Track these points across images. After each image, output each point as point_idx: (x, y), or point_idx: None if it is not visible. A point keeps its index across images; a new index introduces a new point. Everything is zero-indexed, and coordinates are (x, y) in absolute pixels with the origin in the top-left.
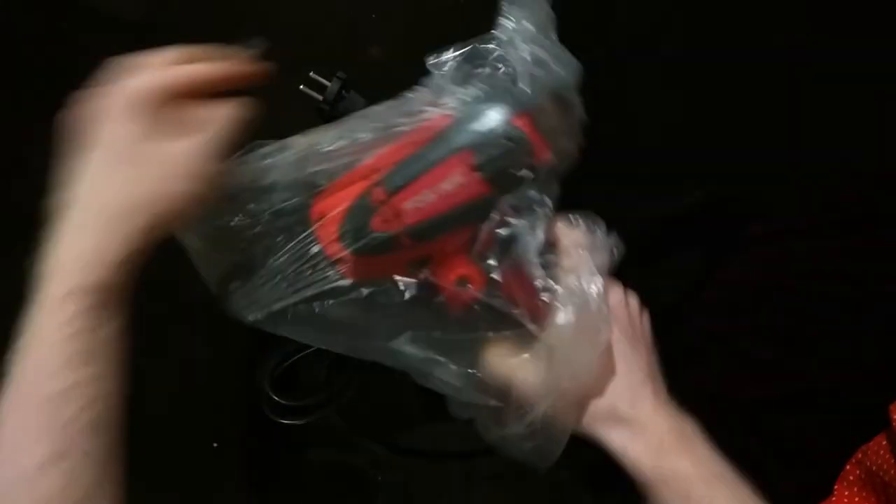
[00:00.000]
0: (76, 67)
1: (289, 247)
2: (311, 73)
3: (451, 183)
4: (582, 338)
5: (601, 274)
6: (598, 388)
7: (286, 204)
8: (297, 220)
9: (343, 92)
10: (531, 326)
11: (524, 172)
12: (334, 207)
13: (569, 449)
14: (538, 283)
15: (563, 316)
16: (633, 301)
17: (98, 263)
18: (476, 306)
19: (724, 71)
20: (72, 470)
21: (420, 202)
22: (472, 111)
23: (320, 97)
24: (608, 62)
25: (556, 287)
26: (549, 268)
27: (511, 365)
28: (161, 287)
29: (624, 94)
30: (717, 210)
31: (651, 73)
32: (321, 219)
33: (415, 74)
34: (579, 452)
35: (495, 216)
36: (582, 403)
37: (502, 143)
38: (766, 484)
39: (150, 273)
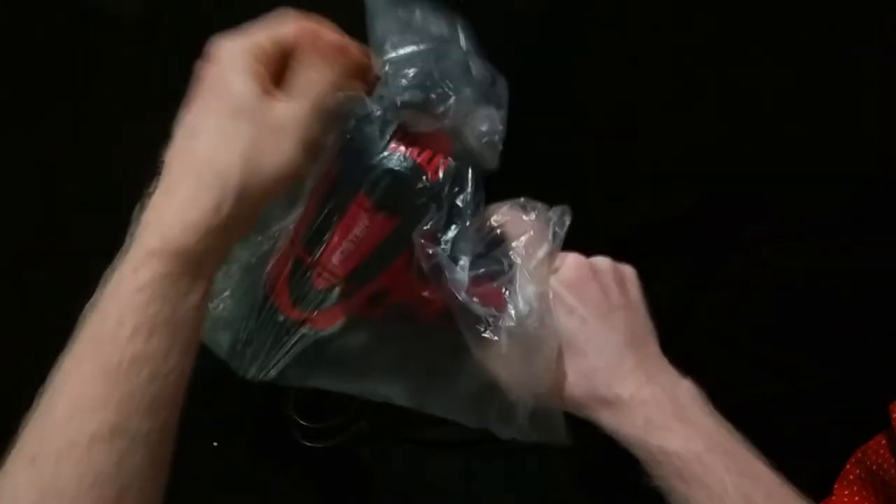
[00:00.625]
0: (76, 67)
1: (260, 317)
2: None
3: (361, 229)
4: (539, 328)
5: (550, 252)
6: (573, 375)
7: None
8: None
9: None
10: (501, 319)
11: (422, 197)
12: (279, 276)
13: (569, 449)
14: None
15: (513, 312)
16: (605, 266)
17: (181, 226)
18: (449, 312)
19: (725, 71)
20: (125, 448)
21: (344, 253)
22: (353, 148)
23: None
24: (609, 62)
25: (510, 280)
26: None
27: (494, 363)
28: None
29: (623, 94)
30: (716, 210)
31: (651, 72)
32: (273, 289)
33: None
34: (579, 451)
35: (419, 245)
36: (561, 391)
37: (387, 179)
38: None
39: None
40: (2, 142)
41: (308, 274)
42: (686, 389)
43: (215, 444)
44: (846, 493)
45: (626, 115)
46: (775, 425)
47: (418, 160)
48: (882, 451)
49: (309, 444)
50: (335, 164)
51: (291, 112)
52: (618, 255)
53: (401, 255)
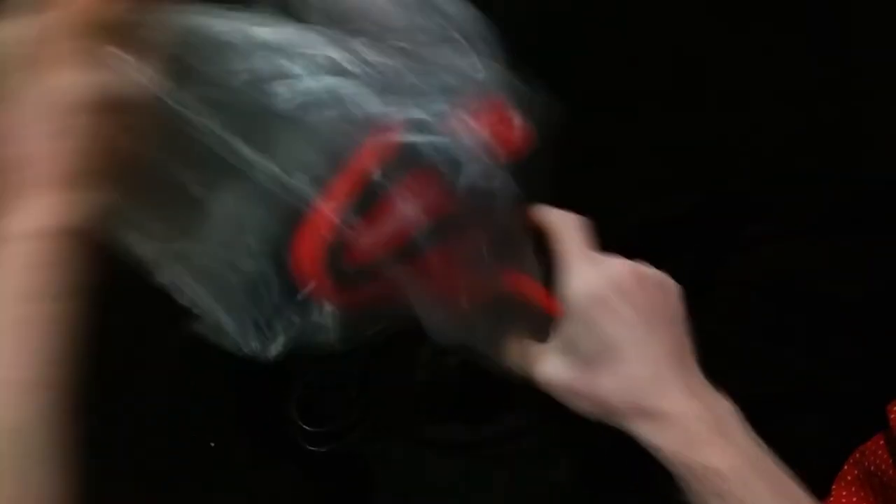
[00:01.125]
0: None
1: (282, 296)
2: None
3: (415, 205)
4: (588, 331)
5: (603, 254)
6: (611, 381)
7: None
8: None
9: None
10: (542, 319)
11: (489, 179)
12: (311, 249)
13: (569, 449)
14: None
15: (574, 316)
16: (651, 274)
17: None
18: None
19: (725, 71)
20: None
21: (390, 229)
22: (421, 120)
23: None
24: (608, 62)
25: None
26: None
27: (529, 357)
28: (158, 287)
29: (623, 94)
30: (716, 210)
31: (651, 72)
32: (302, 264)
33: None
34: (582, 453)
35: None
36: (602, 399)
37: (455, 155)
38: None
39: (146, 274)
40: None
41: (346, 247)
42: (726, 408)
43: (212, 444)
44: (844, 493)
45: (625, 116)
46: (773, 425)
47: (487, 142)
48: (880, 451)
49: (311, 448)
50: (398, 131)
51: None
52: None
53: (450, 239)
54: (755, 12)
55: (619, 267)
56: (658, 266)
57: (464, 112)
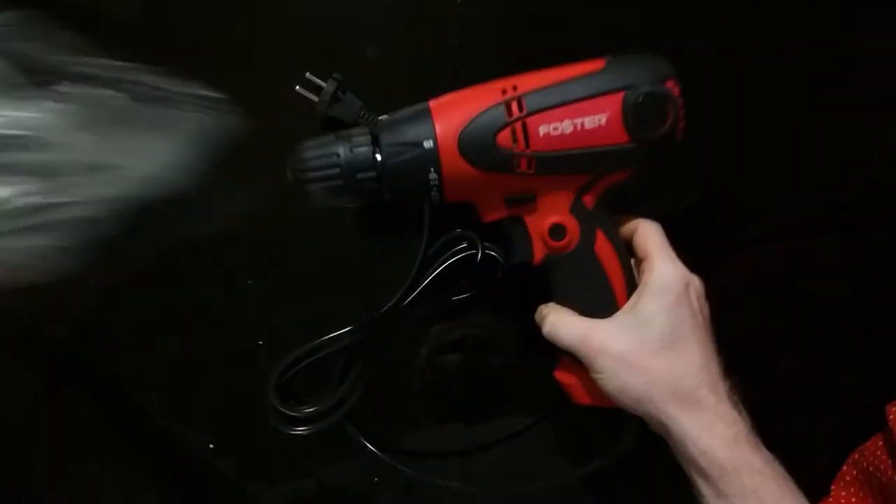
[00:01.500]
0: None
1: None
2: (308, 75)
3: (594, 121)
4: (665, 313)
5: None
6: (675, 362)
7: None
8: None
9: (339, 93)
10: (610, 298)
11: (668, 135)
12: (463, 106)
13: (570, 455)
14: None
15: (657, 297)
16: (699, 285)
17: None
18: (562, 260)
19: (725, 71)
20: None
21: (555, 130)
22: (628, 60)
23: (316, 98)
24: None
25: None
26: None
27: (587, 326)
28: (162, 287)
29: None
30: (716, 210)
31: None
32: (445, 115)
33: (412, 74)
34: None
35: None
36: (656, 374)
37: (658, 94)
38: None
39: (152, 273)
40: None
41: (501, 125)
42: (746, 416)
43: (211, 445)
44: (843, 493)
45: None
46: (773, 426)
47: (681, 107)
48: (879, 452)
49: (287, 431)
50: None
51: None
52: None
53: (594, 172)
54: (755, 12)
55: (690, 271)
56: None
57: None
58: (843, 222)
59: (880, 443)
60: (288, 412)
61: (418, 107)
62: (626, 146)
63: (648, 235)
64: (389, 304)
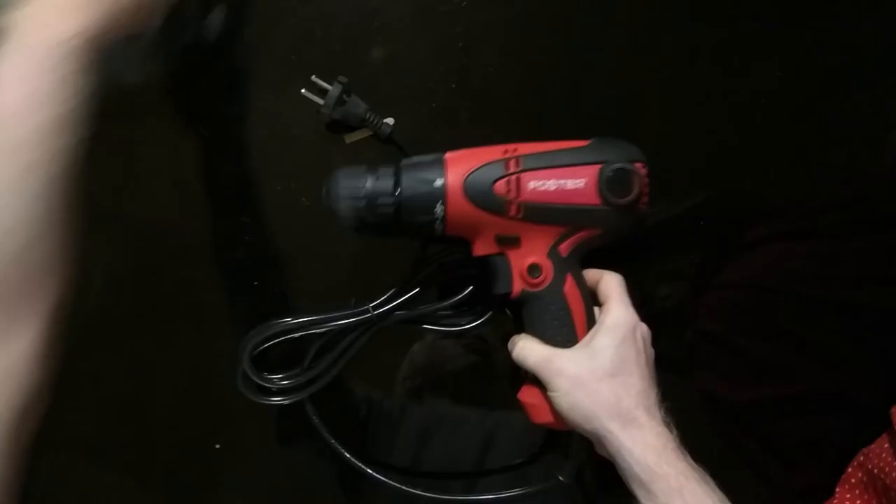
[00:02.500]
0: None
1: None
2: (313, 78)
3: (574, 184)
4: (614, 348)
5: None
6: (618, 386)
7: None
8: None
9: (344, 96)
10: (571, 332)
11: (632, 203)
12: (471, 158)
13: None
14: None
15: (609, 335)
16: (646, 330)
17: (77, 15)
18: (535, 295)
19: (726, 71)
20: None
21: (542, 186)
22: (607, 142)
23: (321, 101)
24: (609, 63)
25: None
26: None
27: (550, 353)
28: (164, 287)
29: (624, 94)
30: (718, 212)
31: (652, 72)
32: (457, 163)
33: (416, 76)
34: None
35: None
36: (603, 396)
37: (628, 170)
38: (767, 485)
39: (153, 274)
40: None
41: (500, 175)
42: (675, 434)
43: (217, 445)
44: (848, 496)
45: (626, 117)
46: (777, 427)
47: (645, 188)
48: (884, 454)
49: (253, 398)
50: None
51: None
52: (619, 257)
53: (568, 225)
54: (756, 12)
55: (637, 317)
56: (660, 267)
57: None
58: (844, 224)
59: (885, 445)
60: (259, 381)
61: (436, 154)
62: (598, 207)
63: (610, 284)
64: (380, 300)
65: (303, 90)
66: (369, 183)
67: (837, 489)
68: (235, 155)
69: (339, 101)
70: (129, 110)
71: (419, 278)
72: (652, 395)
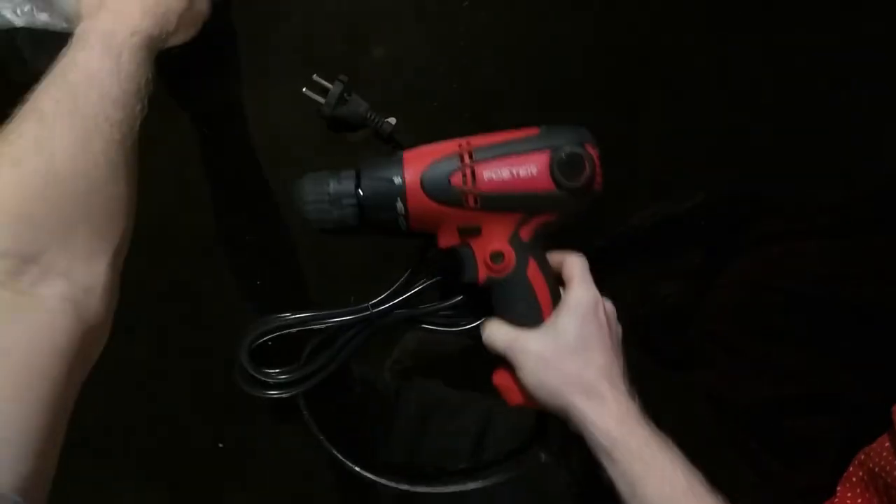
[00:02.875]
0: None
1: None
2: (314, 76)
3: (527, 171)
4: (576, 326)
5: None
6: (581, 363)
7: None
8: None
9: (345, 95)
10: (537, 313)
11: (586, 185)
12: (426, 155)
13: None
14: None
15: (571, 314)
16: (610, 306)
17: (145, 13)
18: (500, 281)
19: (727, 71)
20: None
21: (497, 175)
22: (556, 128)
23: (322, 100)
24: (610, 62)
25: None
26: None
27: (515, 334)
28: (167, 288)
29: (624, 94)
30: (718, 211)
31: (652, 72)
32: (413, 161)
33: (417, 75)
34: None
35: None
36: (566, 372)
37: (578, 153)
38: (768, 484)
39: (155, 274)
40: None
41: (455, 169)
42: (639, 404)
43: (220, 445)
44: (849, 494)
45: (627, 116)
46: (778, 426)
47: (597, 168)
48: (885, 453)
49: (255, 393)
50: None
51: None
52: (620, 256)
53: (526, 211)
54: (756, 12)
55: (600, 295)
56: (660, 267)
57: None
58: (844, 223)
59: (886, 444)
60: (256, 374)
61: (394, 154)
62: (553, 192)
63: (573, 265)
64: (379, 298)
65: (304, 89)
66: (332, 186)
67: (838, 488)
68: (236, 153)
69: (341, 100)
70: None
71: (419, 278)
72: (616, 369)
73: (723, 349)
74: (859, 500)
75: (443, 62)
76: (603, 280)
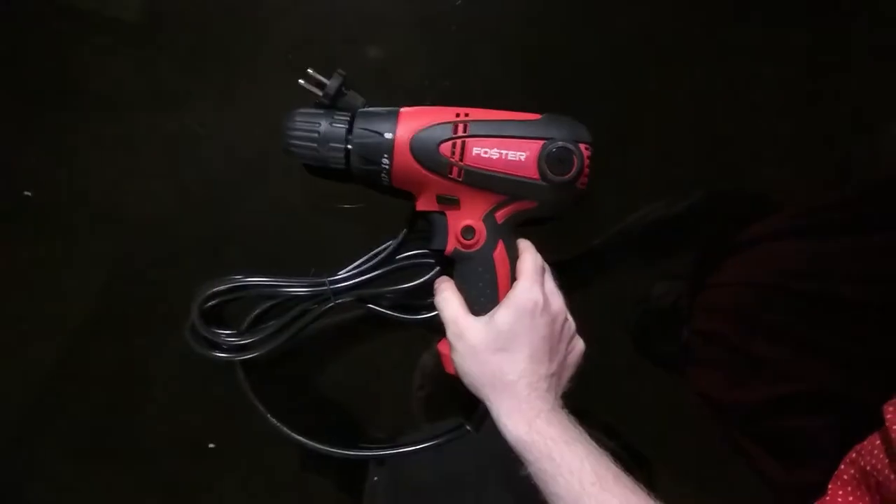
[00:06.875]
0: (75, 70)
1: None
2: (310, 71)
3: (516, 155)
4: (512, 323)
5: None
6: (508, 360)
7: None
8: None
9: (343, 89)
10: (493, 296)
11: (570, 182)
12: (423, 116)
13: None
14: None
15: (508, 311)
16: (559, 304)
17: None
18: (466, 255)
19: (727, 71)
20: None
21: (485, 153)
22: (557, 119)
23: (320, 93)
24: (610, 62)
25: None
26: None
27: (459, 315)
28: (165, 289)
29: (624, 94)
30: (714, 211)
31: (653, 72)
32: (408, 119)
33: (412, 75)
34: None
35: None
36: (491, 373)
37: (568, 150)
38: (762, 482)
39: (155, 275)
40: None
41: (447, 138)
42: (559, 404)
43: (211, 445)
44: (840, 493)
45: (626, 116)
46: (772, 425)
47: (587, 168)
48: (876, 451)
49: (206, 354)
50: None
51: None
52: (619, 255)
53: (506, 195)
54: (756, 12)
55: (545, 297)
56: (658, 266)
57: None
58: (843, 223)
59: (877, 442)
60: (206, 334)
61: (391, 108)
62: (536, 182)
63: (524, 262)
64: (339, 275)
65: (300, 80)
66: (323, 126)
67: (830, 486)
68: (233, 151)
69: (338, 93)
70: (125, 109)
71: (383, 260)
72: (541, 370)
73: (718, 348)
74: (850, 499)
75: (437, 61)
76: (599, 279)
